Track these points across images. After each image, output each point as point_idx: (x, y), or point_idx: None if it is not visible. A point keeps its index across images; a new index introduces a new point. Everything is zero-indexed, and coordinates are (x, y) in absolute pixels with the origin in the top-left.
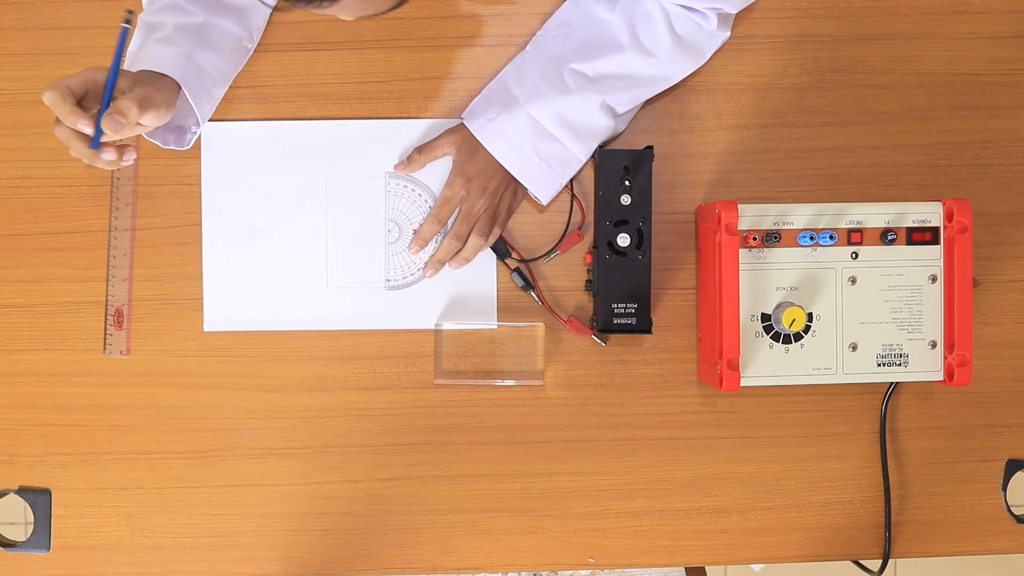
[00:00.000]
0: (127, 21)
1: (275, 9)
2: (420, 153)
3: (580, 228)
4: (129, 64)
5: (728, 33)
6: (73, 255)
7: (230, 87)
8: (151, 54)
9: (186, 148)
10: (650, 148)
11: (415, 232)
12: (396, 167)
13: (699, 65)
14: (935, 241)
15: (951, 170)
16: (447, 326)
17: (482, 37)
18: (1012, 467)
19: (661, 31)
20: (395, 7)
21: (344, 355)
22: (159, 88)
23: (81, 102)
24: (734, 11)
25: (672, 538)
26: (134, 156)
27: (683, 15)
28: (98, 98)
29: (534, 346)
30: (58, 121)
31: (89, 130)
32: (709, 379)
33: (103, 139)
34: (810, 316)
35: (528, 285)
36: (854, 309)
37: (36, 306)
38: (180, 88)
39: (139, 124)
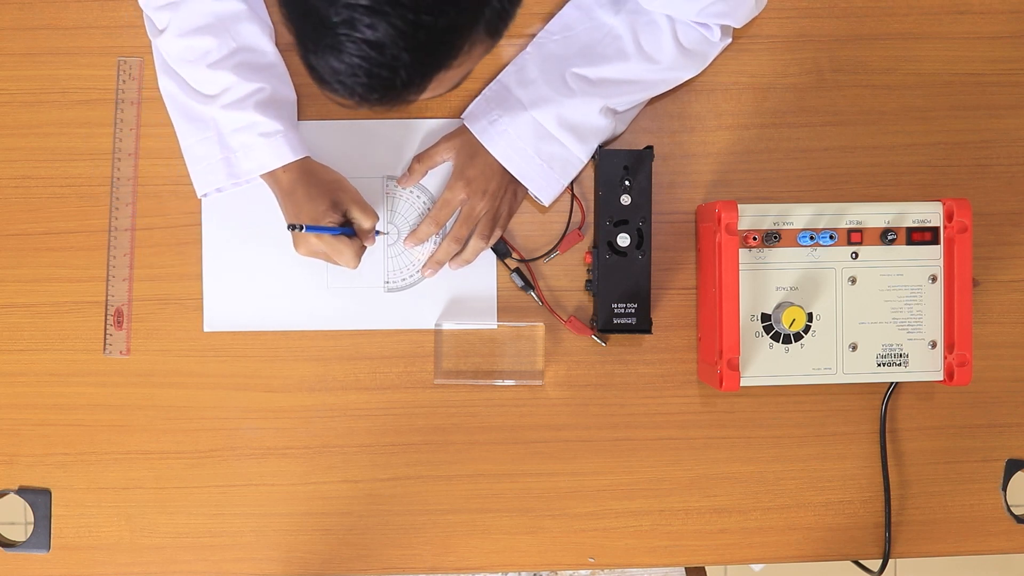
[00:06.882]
0: (299, 227)
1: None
2: (419, 162)
3: (580, 228)
4: (255, 162)
5: (730, 39)
6: (73, 255)
7: None
8: (277, 151)
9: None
10: (650, 148)
11: (412, 231)
12: (399, 181)
13: (700, 70)
14: (935, 241)
15: (951, 170)
16: (447, 326)
17: None
18: (1012, 467)
19: (666, 40)
20: (454, 88)
21: (344, 355)
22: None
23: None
24: (739, 25)
25: (672, 538)
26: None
27: (688, 25)
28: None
29: (534, 346)
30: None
31: (372, 241)
32: (709, 379)
33: (369, 239)
34: (810, 316)
35: (528, 285)
36: (854, 309)
37: (36, 306)
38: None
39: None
